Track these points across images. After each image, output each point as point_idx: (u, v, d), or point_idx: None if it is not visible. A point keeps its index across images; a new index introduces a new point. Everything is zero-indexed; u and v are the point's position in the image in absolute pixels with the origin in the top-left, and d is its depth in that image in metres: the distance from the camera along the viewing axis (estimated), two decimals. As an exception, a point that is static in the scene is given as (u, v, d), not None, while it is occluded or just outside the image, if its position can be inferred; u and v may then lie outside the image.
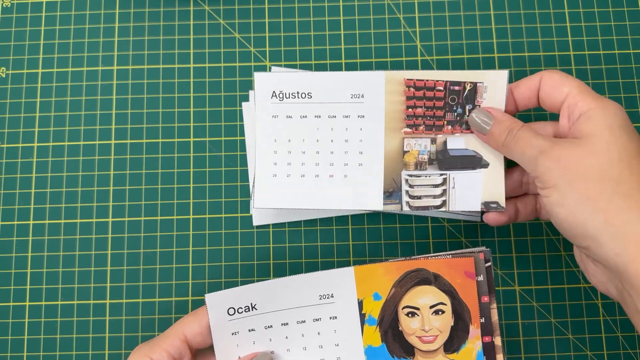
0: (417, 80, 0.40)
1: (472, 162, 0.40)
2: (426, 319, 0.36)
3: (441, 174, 0.40)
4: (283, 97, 0.41)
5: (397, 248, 0.44)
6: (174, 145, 0.45)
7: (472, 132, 0.40)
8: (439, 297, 0.36)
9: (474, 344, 0.36)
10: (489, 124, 0.38)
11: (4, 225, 0.44)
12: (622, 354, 0.42)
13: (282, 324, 0.36)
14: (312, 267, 0.43)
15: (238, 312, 0.36)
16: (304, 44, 0.46)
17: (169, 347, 0.35)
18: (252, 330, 0.36)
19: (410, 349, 0.36)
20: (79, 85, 0.46)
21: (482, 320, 0.36)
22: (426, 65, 0.46)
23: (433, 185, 0.40)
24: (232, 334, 0.36)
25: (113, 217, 0.44)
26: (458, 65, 0.46)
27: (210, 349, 0.37)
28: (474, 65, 0.46)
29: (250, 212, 0.44)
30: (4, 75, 0.46)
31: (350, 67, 0.46)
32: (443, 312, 0.36)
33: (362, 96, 0.40)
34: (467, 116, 0.39)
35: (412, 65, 0.46)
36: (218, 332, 0.36)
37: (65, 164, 0.45)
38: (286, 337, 0.36)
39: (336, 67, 0.46)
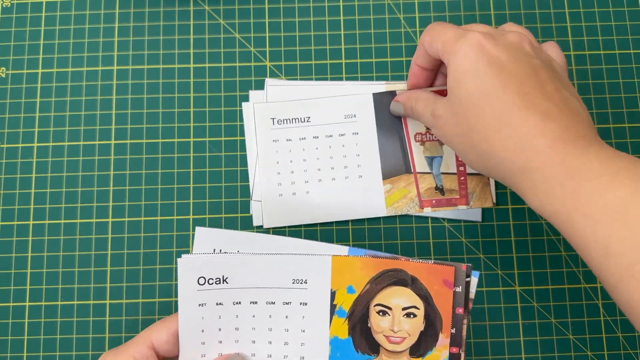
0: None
1: None
2: (397, 320, 0.36)
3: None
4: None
5: (397, 248, 0.44)
6: (173, 146, 0.45)
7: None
8: (412, 300, 0.35)
9: (440, 352, 0.35)
10: (402, 109, 0.42)
11: (3, 225, 0.44)
12: (623, 354, 0.42)
13: (251, 302, 0.36)
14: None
15: (208, 282, 0.35)
16: (304, 44, 0.46)
17: (135, 352, 0.34)
18: (219, 304, 0.36)
19: (375, 347, 0.36)
20: (79, 85, 0.46)
21: (453, 330, 0.35)
22: (426, 65, 0.46)
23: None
24: (199, 305, 0.35)
25: (113, 217, 0.44)
26: (458, 65, 0.46)
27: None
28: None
29: (250, 212, 0.44)
30: (3, 76, 0.46)
31: (351, 67, 0.46)
32: (415, 315, 0.35)
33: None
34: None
35: (412, 65, 0.46)
36: (185, 301, 0.35)
37: (65, 164, 0.45)
38: (253, 316, 0.36)
39: (336, 67, 0.46)
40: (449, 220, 0.44)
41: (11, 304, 0.43)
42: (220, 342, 0.36)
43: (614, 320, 0.43)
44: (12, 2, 0.47)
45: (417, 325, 0.35)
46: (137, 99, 0.46)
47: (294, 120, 0.44)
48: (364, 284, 0.36)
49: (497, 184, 0.44)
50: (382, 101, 0.44)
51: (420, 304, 0.35)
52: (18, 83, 0.46)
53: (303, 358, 0.36)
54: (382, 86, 0.45)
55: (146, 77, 0.46)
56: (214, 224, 0.44)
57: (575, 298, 0.43)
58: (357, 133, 0.44)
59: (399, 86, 0.45)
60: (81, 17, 0.47)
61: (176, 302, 0.43)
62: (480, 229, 0.44)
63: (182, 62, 0.46)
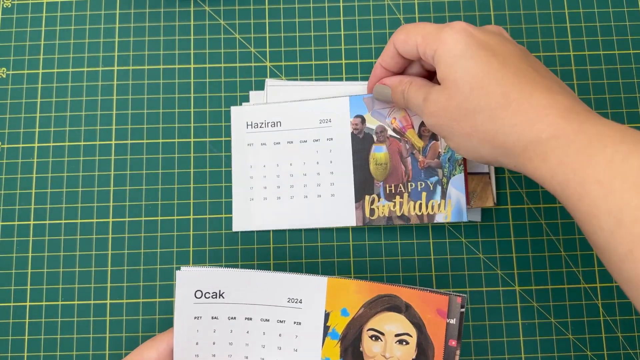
0: None
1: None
2: (389, 346, 0.36)
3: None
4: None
5: (397, 248, 0.44)
6: (174, 146, 0.45)
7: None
8: (406, 327, 0.36)
9: None
10: (388, 93, 0.41)
11: (4, 225, 0.44)
12: (622, 354, 0.42)
13: (245, 318, 0.36)
14: (312, 267, 0.43)
15: (205, 296, 0.36)
16: (304, 45, 0.46)
17: None
18: (215, 318, 0.36)
19: None
20: (80, 85, 0.46)
21: None
22: (426, 66, 0.46)
23: None
24: (195, 317, 0.36)
25: (114, 217, 0.44)
26: (458, 65, 0.46)
27: None
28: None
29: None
30: (4, 76, 0.46)
31: (351, 67, 0.46)
32: (407, 342, 0.36)
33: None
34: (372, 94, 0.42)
35: (412, 66, 0.46)
36: (181, 313, 0.36)
37: (66, 165, 0.45)
38: (247, 332, 0.37)
39: (336, 67, 0.46)
40: (449, 221, 0.44)
41: (12, 304, 0.43)
42: (214, 355, 0.37)
43: (614, 320, 0.43)
44: (12, 2, 0.47)
45: (409, 352, 0.36)
46: (138, 99, 0.46)
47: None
48: (358, 307, 0.36)
49: (497, 183, 0.44)
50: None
51: (413, 331, 0.36)
52: (19, 83, 0.46)
53: None
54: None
55: (147, 78, 0.46)
56: (214, 224, 0.44)
57: (575, 298, 0.43)
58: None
59: (398, 86, 0.45)
60: (82, 17, 0.47)
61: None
62: (480, 229, 0.44)
63: (183, 62, 0.46)
